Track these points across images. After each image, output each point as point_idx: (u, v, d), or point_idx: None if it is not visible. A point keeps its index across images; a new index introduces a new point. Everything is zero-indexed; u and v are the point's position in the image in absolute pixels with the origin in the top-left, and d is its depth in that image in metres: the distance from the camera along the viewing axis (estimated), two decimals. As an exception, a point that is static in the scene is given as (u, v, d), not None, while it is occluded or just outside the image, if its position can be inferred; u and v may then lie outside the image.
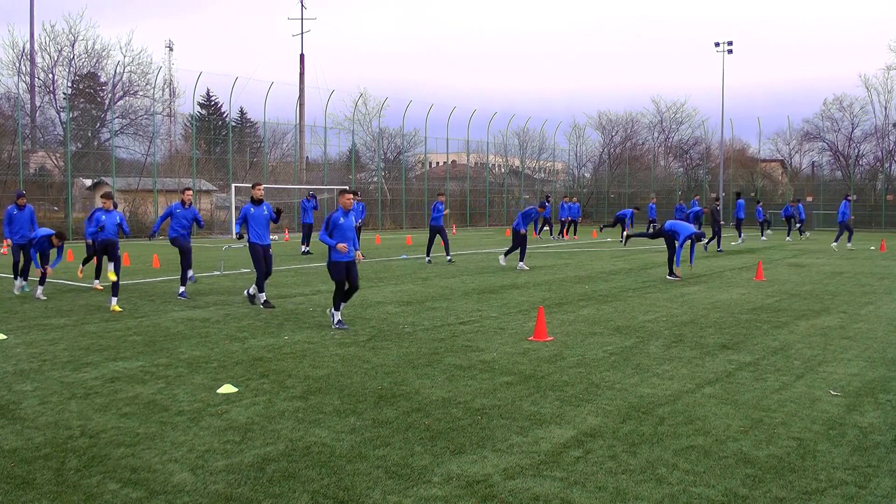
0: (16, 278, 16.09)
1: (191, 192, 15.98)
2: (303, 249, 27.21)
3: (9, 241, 15.93)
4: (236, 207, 38.95)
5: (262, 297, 14.04)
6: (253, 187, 14.32)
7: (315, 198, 29.59)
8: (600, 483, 5.49)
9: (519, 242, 21.53)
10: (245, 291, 14.49)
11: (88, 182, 44.34)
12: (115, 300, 13.86)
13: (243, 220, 13.98)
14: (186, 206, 15.61)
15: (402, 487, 5.41)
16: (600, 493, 5.31)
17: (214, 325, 12.08)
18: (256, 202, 14.08)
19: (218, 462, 5.91)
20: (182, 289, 15.38)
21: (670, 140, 71.95)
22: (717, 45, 57.36)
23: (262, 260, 13.88)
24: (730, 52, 57.05)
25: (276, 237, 38.92)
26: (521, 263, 21.43)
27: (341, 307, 12.11)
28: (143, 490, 5.37)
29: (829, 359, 9.64)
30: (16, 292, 15.90)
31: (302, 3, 62.82)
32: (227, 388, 8.05)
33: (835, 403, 7.57)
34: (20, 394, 7.95)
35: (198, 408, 7.42)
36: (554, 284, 17.65)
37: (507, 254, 22.30)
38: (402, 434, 6.59)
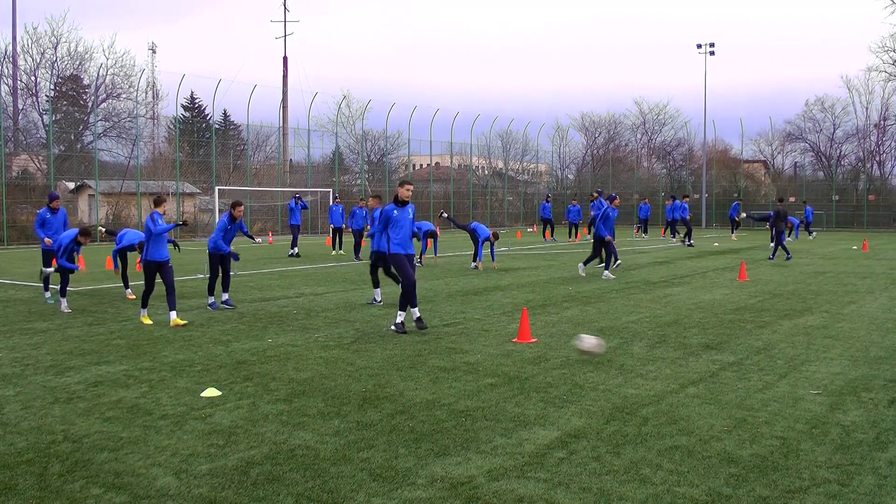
0: (46, 290, 15.48)
1: (242, 208, 14.55)
2: (293, 251, 27.05)
3: (49, 241, 14.98)
4: (219, 210, 38.71)
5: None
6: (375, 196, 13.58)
7: (302, 199, 29.33)
8: (584, 484, 5.50)
9: (601, 249, 19.66)
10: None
11: (71, 185, 44.11)
12: (174, 314, 12.58)
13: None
14: (235, 221, 14.37)
15: (386, 490, 5.41)
16: (584, 494, 5.32)
17: (198, 329, 12.03)
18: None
19: (202, 466, 5.89)
20: (226, 296, 14.47)
21: (653, 141, 72.31)
22: (699, 46, 57.69)
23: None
24: (712, 53, 57.41)
25: (259, 240, 38.81)
26: (606, 272, 19.42)
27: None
28: (126, 494, 5.34)
29: (812, 358, 9.69)
30: (49, 302, 15.10)
31: (285, 5, 62.72)
32: (210, 392, 8.02)
33: (818, 402, 7.62)
34: (2, 399, 7.90)
35: (181, 411, 7.38)
36: (538, 286, 17.68)
37: (601, 262, 20.01)
38: (386, 436, 6.58)
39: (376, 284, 14.71)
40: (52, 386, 8.42)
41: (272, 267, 22.88)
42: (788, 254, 25.69)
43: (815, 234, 39.14)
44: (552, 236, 37.69)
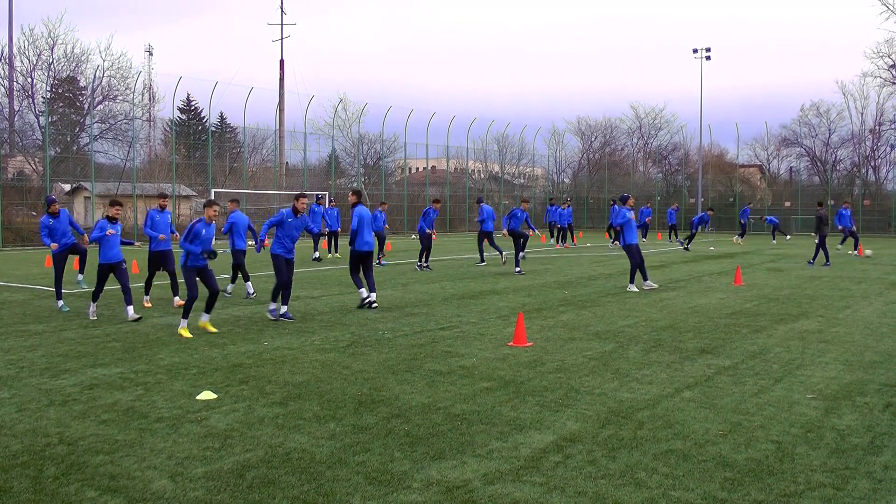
0: (59, 298, 14.59)
1: (306, 200, 13.77)
2: (315, 255, 26.66)
3: (55, 245, 14.49)
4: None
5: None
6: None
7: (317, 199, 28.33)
8: (580, 488, 5.51)
9: (635, 256, 17.76)
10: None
11: (67, 187, 44.04)
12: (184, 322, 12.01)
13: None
14: (298, 216, 13.49)
15: (381, 493, 5.41)
16: (580, 498, 5.32)
17: (194, 332, 12.00)
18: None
19: (197, 469, 5.89)
20: (284, 308, 13.34)
21: (649, 146, 72.40)
22: (695, 51, 57.75)
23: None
24: (708, 58, 57.48)
25: (251, 243, 38.71)
26: (646, 282, 17.96)
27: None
28: (121, 497, 5.34)
29: (807, 362, 9.71)
30: (64, 310, 14.35)
31: (282, 8, 62.81)
32: (206, 395, 8.02)
33: (813, 406, 7.63)
34: (-3, 401, 7.89)
35: (177, 414, 7.38)
36: (533, 290, 17.69)
37: (645, 277, 18.07)
38: (381, 440, 6.59)
39: (246, 278, 16.28)
40: (48, 388, 8.41)
41: (268, 270, 22.82)
42: (813, 260, 25.43)
43: (740, 238, 38.43)
44: (569, 242, 35.79)
